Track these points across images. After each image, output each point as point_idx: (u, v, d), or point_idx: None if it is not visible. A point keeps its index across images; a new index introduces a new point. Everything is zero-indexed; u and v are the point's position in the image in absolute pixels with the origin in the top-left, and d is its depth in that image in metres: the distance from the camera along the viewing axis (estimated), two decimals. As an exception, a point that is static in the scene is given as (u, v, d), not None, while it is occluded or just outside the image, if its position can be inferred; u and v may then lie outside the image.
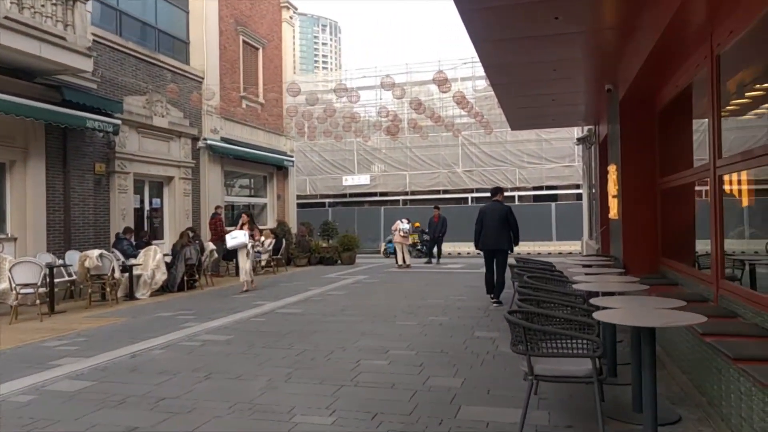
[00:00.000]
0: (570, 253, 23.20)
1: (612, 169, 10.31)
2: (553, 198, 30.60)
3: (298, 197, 34.66)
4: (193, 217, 16.58)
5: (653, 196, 9.34)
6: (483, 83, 30.61)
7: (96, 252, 10.61)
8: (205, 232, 16.00)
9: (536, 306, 4.83)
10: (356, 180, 33.18)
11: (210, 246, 13.98)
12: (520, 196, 31.43)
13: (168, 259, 12.69)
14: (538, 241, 27.74)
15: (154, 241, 14.72)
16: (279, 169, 21.19)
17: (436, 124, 19.75)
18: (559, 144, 30.37)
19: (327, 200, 33.66)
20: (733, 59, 5.40)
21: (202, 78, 16.89)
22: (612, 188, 10.33)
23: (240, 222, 13.29)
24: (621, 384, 5.11)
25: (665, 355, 5.95)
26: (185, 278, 12.61)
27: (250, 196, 21.10)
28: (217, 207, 16.37)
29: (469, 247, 29.10)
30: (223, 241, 15.55)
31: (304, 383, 5.34)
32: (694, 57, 6.27)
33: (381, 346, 6.83)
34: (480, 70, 30.55)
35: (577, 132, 30.53)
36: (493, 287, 10.07)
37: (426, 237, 23.36)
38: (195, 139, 16.62)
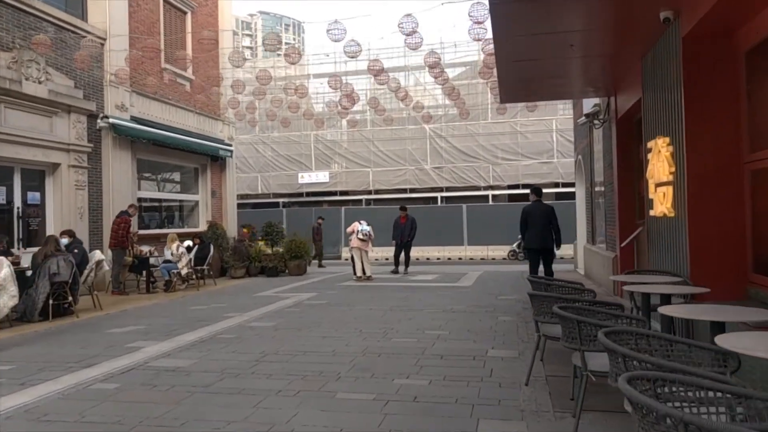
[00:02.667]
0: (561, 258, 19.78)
1: (660, 145, 6.94)
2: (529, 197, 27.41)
3: (249, 196, 30.77)
4: (92, 218, 12.66)
5: (738, 181, 6.00)
6: (455, 71, 27.31)
7: None
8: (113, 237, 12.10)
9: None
10: (314, 177, 29.52)
11: (97, 256, 10.13)
12: (494, 196, 28.22)
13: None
14: (515, 245, 24.54)
15: (27, 249, 10.82)
16: (214, 160, 17.36)
17: (402, 103, 16.20)
18: (536, 138, 27.30)
19: (281, 200, 29.88)
20: None
21: (104, 39, 13.00)
22: (660, 172, 6.96)
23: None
24: None
25: None
26: (51, 302, 8.75)
27: (176, 191, 17.21)
28: (131, 206, 12.51)
29: (440, 252, 25.70)
30: (127, 248, 11.78)
31: None
32: None
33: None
34: (449, 57, 27.21)
35: (556, 124, 27.55)
36: None
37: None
38: (93, 116, 12.72)
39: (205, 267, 13.41)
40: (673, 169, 6.57)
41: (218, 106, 17.74)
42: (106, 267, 10.34)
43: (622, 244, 7.83)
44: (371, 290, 11.86)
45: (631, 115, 9.70)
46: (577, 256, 15.97)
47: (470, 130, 27.83)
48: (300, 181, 29.58)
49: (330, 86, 13.32)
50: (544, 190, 28.07)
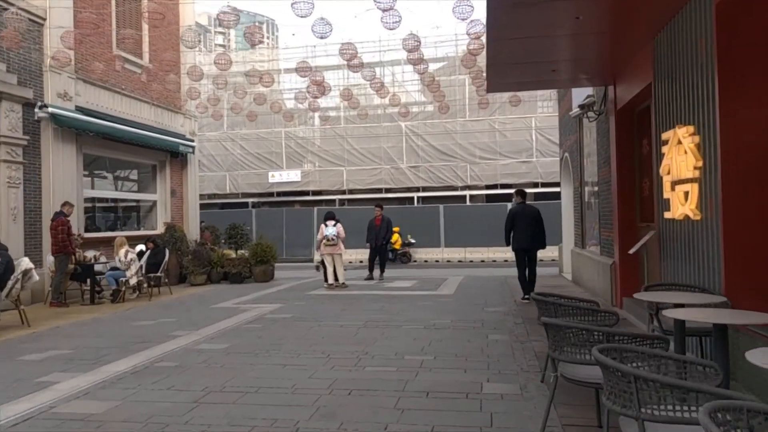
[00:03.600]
0: (541, 260, 18.67)
1: (681, 135, 5.86)
2: (509, 197, 26.50)
3: (216, 196, 29.23)
4: (28, 220, 11.17)
5: (786, 177, 4.95)
6: (434, 65, 26.18)
7: None
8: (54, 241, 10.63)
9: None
10: (285, 177, 28.16)
11: (24, 264, 8.69)
12: (471, 196, 27.21)
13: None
14: (493, 247, 23.58)
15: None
16: (174, 156, 15.92)
17: (377, 94, 14.96)
18: (515, 137, 26.37)
19: (250, 200, 28.44)
20: None
21: (44, 19, 11.53)
22: (681, 167, 5.88)
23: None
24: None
25: None
26: (-38, 321, 7.32)
27: (132, 190, 15.73)
28: (65, 204, 11.01)
29: (417, 254, 24.57)
30: (72, 254, 10.38)
31: None
32: None
33: None
34: (428, 53, 26.12)
35: (535, 122, 26.62)
36: (529, 288, 9.91)
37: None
38: (30, 105, 11.23)
39: (159, 274, 12.01)
40: (699, 164, 5.49)
41: (179, 98, 16.30)
42: (35, 277, 8.89)
43: (631, 251, 6.79)
44: (343, 301, 10.62)
45: (633, 106, 8.65)
46: (562, 259, 14.97)
47: (447, 127, 26.78)
48: (270, 180, 28.17)
49: (299, 74, 12.02)
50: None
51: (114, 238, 12.40)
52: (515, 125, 26.23)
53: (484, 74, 9.44)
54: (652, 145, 7.83)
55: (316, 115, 28.96)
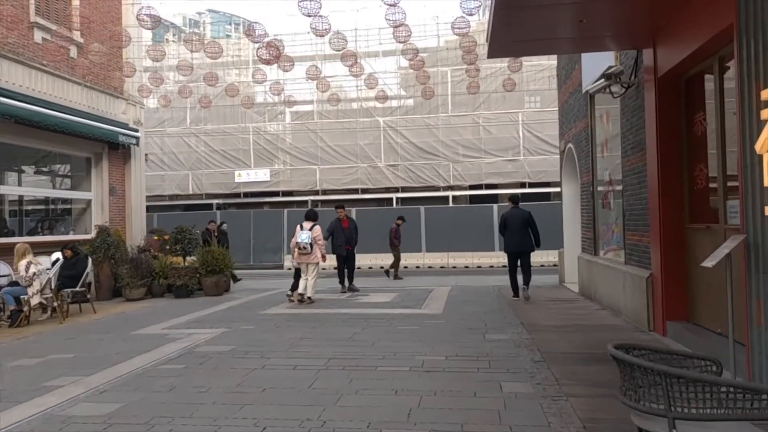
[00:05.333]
0: (542, 265, 16.26)
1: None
2: (494, 198, 24.48)
3: (178, 197, 26.62)
4: None
5: None
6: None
7: None
8: None
9: None
10: (253, 176, 25.73)
11: None
12: (454, 197, 25.09)
13: None
14: (478, 252, 21.49)
15: None
16: (114, 148, 13.45)
17: (350, 72, 12.68)
18: (500, 133, 24.34)
19: (215, 201, 25.92)
20: None
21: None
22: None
23: None
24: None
25: None
26: None
27: (60, 187, 13.21)
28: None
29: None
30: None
31: None
32: None
33: None
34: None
35: (522, 117, 24.57)
36: (518, 289, 10.12)
37: None
38: None
39: (79, 289, 9.57)
40: None
41: (121, 81, 13.84)
42: None
43: (708, 264, 4.69)
44: (305, 324, 8.31)
45: (682, 72, 6.54)
46: (563, 267, 12.86)
47: (428, 123, 24.63)
48: (237, 179, 25.68)
49: (248, 36, 9.72)
50: (509, 191, 25.23)
51: (36, 244, 9.96)
52: (500, 121, 24.19)
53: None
54: (715, 118, 5.71)
55: (288, 110, 26.70)
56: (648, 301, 7.05)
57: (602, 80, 7.77)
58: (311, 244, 10.18)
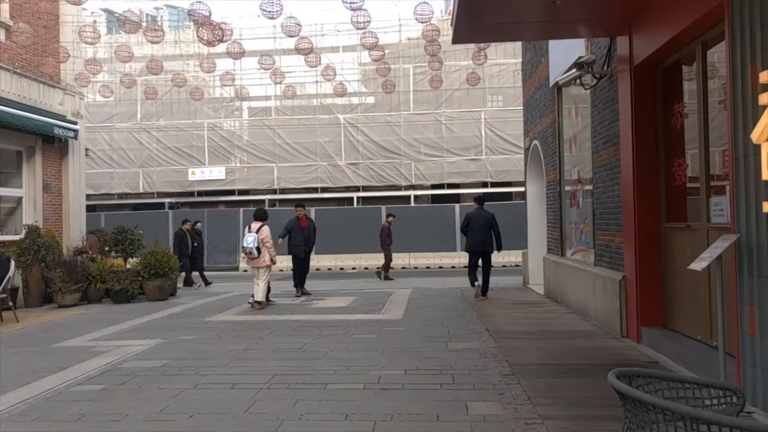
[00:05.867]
0: (504, 266, 15.65)
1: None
2: (456, 198, 24.07)
3: (128, 196, 25.31)
4: None
5: None
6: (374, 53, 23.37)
7: None
8: None
9: None
10: (207, 174, 24.66)
11: None
12: (416, 197, 24.57)
13: None
14: (440, 252, 21.02)
15: None
16: (48, 141, 12.32)
17: (307, 62, 11.92)
18: (463, 132, 23.94)
19: (167, 200, 24.71)
20: None
21: None
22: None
23: None
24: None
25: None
26: None
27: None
28: None
29: (356, 260, 21.59)
30: None
31: None
32: None
33: None
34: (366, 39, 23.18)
35: (485, 116, 24.17)
36: (475, 281, 10.25)
37: None
38: None
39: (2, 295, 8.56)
40: None
41: (56, 68, 12.74)
42: None
43: (698, 267, 4.17)
44: (251, 333, 7.54)
45: (659, 61, 6.08)
46: (527, 268, 12.42)
47: (389, 121, 24.04)
48: (191, 177, 24.55)
49: (189, 16, 8.89)
50: (471, 191, 24.85)
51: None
52: (463, 119, 23.79)
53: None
54: (697, 108, 5.25)
55: (245, 106, 25.73)
56: (621, 305, 6.57)
57: (573, 70, 7.26)
58: (258, 248, 9.46)
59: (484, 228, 10.07)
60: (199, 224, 15.91)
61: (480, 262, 10.26)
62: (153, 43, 10.78)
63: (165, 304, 10.50)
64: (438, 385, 4.85)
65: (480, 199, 10.75)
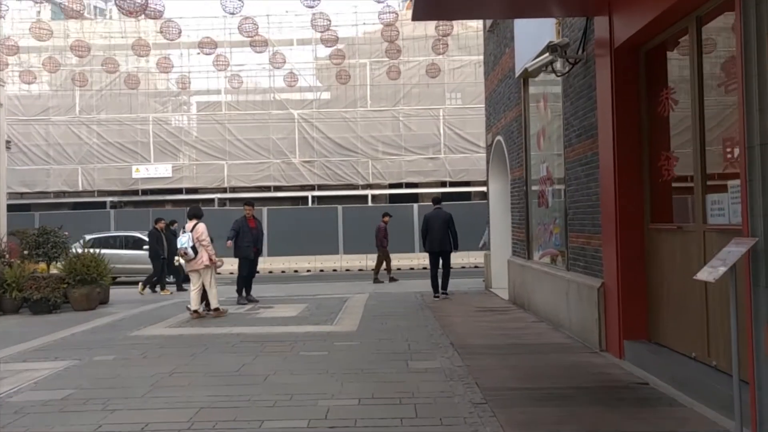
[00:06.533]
0: (463, 267, 14.84)
1: None
2: (414, 198, 23.36)
3: (66, 194, 23.60)
4: None
5: None
6: (329, 49, 22.39)
7: None
8: None
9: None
10: (152, 171, 23.22)
11: None
12: (373, 196, 23.75)
13: None
14: (398, 254, 20.21)
15: None
16: (-40, 132, 10.95)
17: (255, 48, 10.88)
18: (421, 130, 23.27)
19: (109, 199, 23.15)
20: None
21: None
22: None
23: None
24: None
25: None
26: None
27: None
28: None
29: (310, 263, 20.58)
30: None
31: None
32: None
33: None
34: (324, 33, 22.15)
35: (443, 114, 23.48)
36: (440, 287, 10.23)
37: None
38: None
39: None
40: None
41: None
42: None
43: (710, 277, 3.46)
44: (182, 351, 6.52)
45: (641, 43, 5.40)
46: (489, 270, 11.73)
47: (345, 117, 23.13)
48: (135, 175, 23.04)
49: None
50: (429, 191, 24.19)
51: None
52: (421, 116, 23.10)
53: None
54: (691, 92, 4.57)
55: (193, 100, 24.37)
56: (599, 315, 5.88)
57: (545, 55, 6.54)
58: (193, 247, 8.47)
59: (443, 228, 10.18)
60: (176, 224, 13.92)
61: (440, 263, 10.27)
62: (72, 17, 9.55)
63: (92, 315, 9.32)
64: (398, 420, 4.00)
65: (437, 199, 10.99)
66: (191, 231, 8.63)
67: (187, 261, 8.70)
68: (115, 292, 11.50)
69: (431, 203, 11.11)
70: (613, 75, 5.59)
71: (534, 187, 8.73)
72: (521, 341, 6.55)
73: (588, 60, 6.25)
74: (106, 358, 6.14)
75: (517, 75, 8.80)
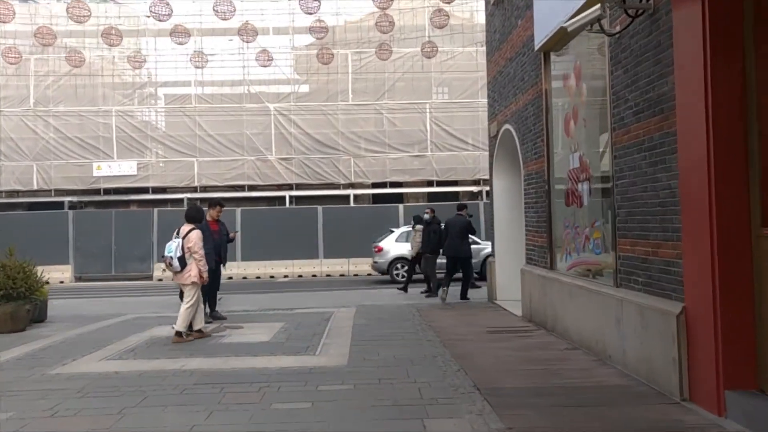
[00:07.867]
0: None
1: None
2: (399, 198, 21.75)
3: (20, 194, 21.39)
4: None
5: None
6: (307, 38, 20.68)
7: None
8: None
9: None
10: (116, 169, 21.21)
11: None
12: (356, 196, 22.06)
13: None
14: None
15: None
16: None
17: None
18: (406, 126, 21.66)
19: (67, 198, 21.05)
20: None
21: None
22: None
23: None
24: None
25: None
26: None
27: None
28: None
29: (288, 268, 18.74)
30: None
31: None
32: None
33: None
34: (303, 21, 20.44)
35: (430, 109, 21.81)
36: (438, 286, 10.48)
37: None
38: None
39: None
40: None
41: None
42: None
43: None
44: (109, 402, 4.73)
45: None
46: (494, 280, 10.13)
47: (325, 112, 21.41)
48: (96, 173, 20.97)
49: None
50: (415, 190, 22.61)
51: None
52: (407, 111, 21.49)
53: None
54: None
55: (161, 92, 22.41)
56: (680, 353, 4.29)
57: (593, 8, 4.93)
58: (182, 257, 6.77)
59: (460, 233, 10.29)
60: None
61: (456, 267, 10.40)
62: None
63: (15, 340, 7.44)
64: None
65: (461, 205, 11.34)
66: (183, 238, 6.91)
67: (173, 273, 7.00)
68: (68, 305, 9.61)
69: (456, 207, 11.24)
70: (706, 18, 4.00)
71: (559, 183, 7.15)
72: (565, 381, 4.94)
73: (657, 10, 4.66)
74: (18, 401, 4.34)
75: (537, 47, 7.21)
